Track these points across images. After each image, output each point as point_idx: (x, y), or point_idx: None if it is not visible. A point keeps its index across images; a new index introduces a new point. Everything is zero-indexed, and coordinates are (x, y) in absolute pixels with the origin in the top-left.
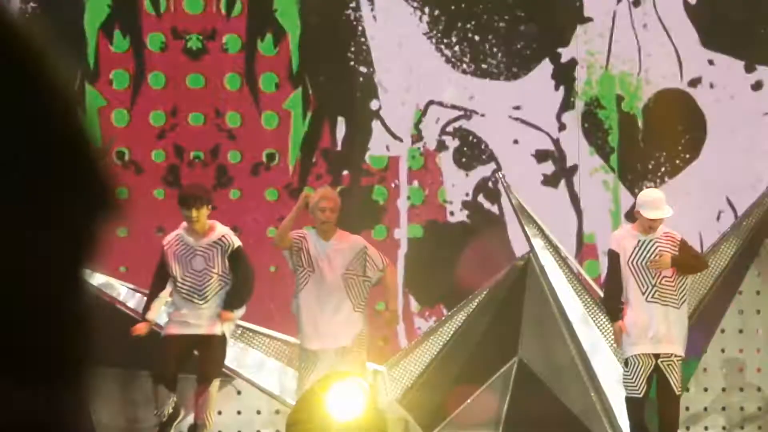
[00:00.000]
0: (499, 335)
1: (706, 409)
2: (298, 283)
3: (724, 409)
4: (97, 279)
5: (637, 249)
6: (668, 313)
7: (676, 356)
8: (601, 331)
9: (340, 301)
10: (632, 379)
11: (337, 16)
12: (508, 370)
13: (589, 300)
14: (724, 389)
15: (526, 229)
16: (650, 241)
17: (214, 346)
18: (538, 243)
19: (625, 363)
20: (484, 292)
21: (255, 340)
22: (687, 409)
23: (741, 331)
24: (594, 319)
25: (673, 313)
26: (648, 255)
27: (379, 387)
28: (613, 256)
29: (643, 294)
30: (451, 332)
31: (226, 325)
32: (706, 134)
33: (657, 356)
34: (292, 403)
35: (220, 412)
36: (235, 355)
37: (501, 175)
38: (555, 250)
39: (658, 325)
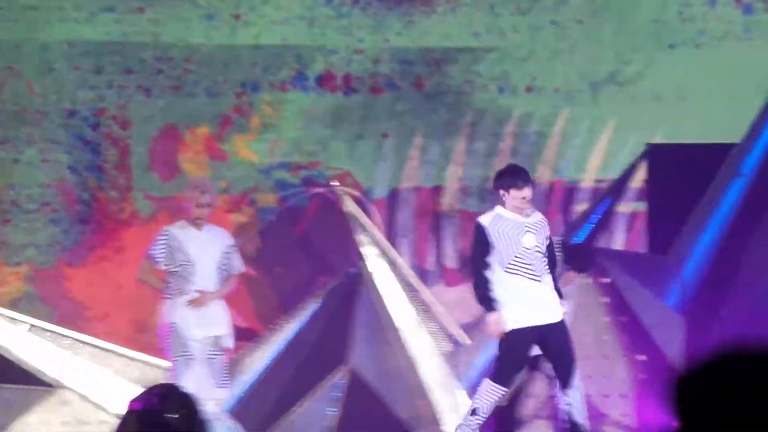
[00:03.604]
0: (331, 343)
1: None
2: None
3: None
4: None
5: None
6: None
7: None
8: (432, 337)
9: None
10: None
11: None
12: (340, 378)
13: (420, 307)
14: None
15: (359, 237)
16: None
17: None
18: (371, 251)
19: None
20: (319, 301)
21: (83, 350)
22: None
23: None
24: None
25: None
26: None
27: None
28: None
29: None
30: (283, 341)
31: None
32: None
33: None
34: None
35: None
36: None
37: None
38: (388, 258)
39: None
